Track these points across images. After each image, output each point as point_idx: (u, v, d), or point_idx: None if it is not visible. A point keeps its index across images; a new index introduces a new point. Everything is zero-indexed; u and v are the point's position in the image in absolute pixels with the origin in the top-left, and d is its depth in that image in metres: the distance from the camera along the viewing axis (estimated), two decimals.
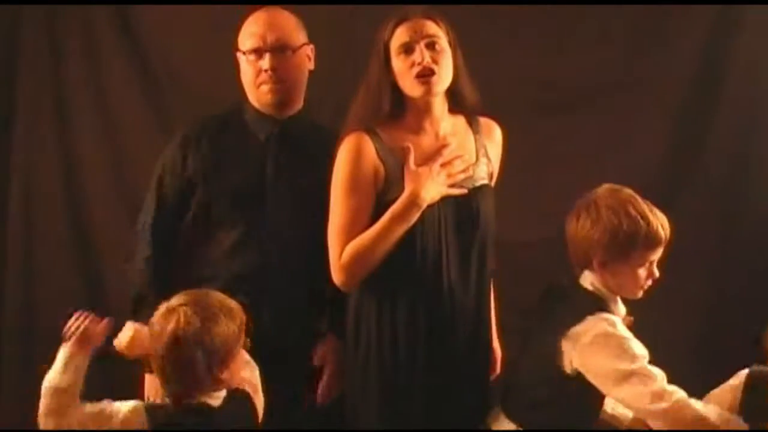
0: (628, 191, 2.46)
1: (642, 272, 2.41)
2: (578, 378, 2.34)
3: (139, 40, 3.64)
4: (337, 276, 2.45)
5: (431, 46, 2.43)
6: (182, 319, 2.16)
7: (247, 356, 2.33)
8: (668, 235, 2.43)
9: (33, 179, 3.67)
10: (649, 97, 3.56)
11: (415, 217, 2.40)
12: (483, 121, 2.60)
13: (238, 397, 2.28)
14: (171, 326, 2.16)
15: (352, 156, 2.44)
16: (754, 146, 3.57)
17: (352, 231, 2.42)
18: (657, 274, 2.42)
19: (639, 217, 2.38)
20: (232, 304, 2.26)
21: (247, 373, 2.34)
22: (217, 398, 2.23)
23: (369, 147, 2.44)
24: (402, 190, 2.42)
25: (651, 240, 2.39)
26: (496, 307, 2.68)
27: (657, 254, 2.42)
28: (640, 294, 2.44)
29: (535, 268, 3.37)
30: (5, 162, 3.65)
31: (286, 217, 2.66)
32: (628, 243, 2.37)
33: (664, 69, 3.55)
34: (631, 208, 2.40)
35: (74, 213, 3.68)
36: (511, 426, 2.43)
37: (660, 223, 2.42)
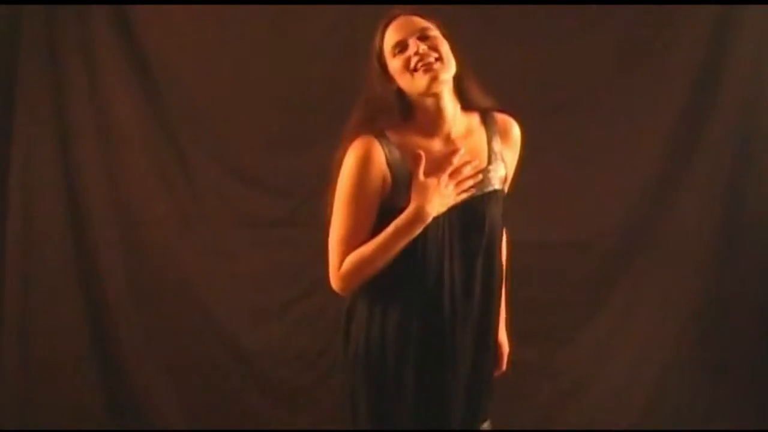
0: None
1: None
2: None
3: (139, 40, 3.64)
4: (335, 283, 2.42)
5: (424, 37, 2.37)
6: None
7: None
8: None
9: (32, 179, 3.66)
10: (650, 97, 3.56)
11: (419, 230, 2.37)
12: (500, 118, 2.51)
13: None
14: None
15: (360, 163, 2.37)
16: (754, 146, 3.57)
17: (353, 240, 2.38)
18: None
19: None
20: None
21: None
22: None
23: (378, 154, 2.38)
24: (408, 196, 2.38)
25: None
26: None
27: None
28: None
29: (534, 268, 3.38)
30: (4, 161, 3.65)
31: None
32: None
33: (664, 69, 3.55)
34: None
35: (73, 212, 3.67)
36: None
37: None
